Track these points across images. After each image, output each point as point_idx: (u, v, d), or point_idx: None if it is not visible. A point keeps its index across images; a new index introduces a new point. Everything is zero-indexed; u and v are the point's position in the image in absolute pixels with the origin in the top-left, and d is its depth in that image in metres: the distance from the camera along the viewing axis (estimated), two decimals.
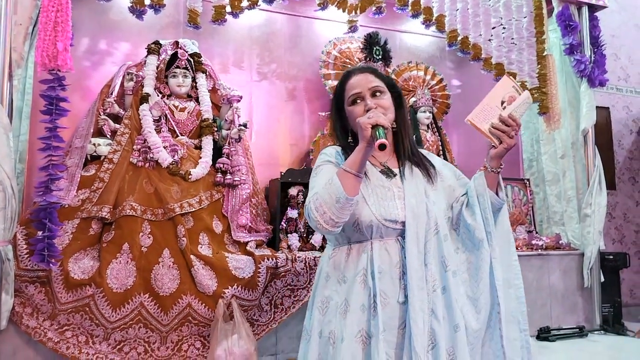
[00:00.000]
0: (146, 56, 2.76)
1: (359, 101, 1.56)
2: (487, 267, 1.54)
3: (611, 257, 3.46)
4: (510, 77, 1.58)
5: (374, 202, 1.50)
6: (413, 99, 3.42)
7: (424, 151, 1.70)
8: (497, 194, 1.58)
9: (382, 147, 1.34)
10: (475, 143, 3.87)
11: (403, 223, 1.49)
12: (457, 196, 1.62)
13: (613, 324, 3.28)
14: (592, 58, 3.48)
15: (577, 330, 3.14)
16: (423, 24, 3.06)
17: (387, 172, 1.57)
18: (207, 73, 2.89)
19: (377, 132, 1.38)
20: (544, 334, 3.02)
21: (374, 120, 1.39)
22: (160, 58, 2.76)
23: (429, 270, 1.47)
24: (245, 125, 2.75)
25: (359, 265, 1.50)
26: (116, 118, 2.66)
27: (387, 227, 1.49)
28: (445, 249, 1.51)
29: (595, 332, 3.26)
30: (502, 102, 1.53)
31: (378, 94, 1.56)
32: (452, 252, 1.55)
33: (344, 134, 1.63)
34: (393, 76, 3.45)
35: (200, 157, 2.67)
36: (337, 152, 1.62)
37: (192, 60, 2.80)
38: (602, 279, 3.37)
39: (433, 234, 1.51)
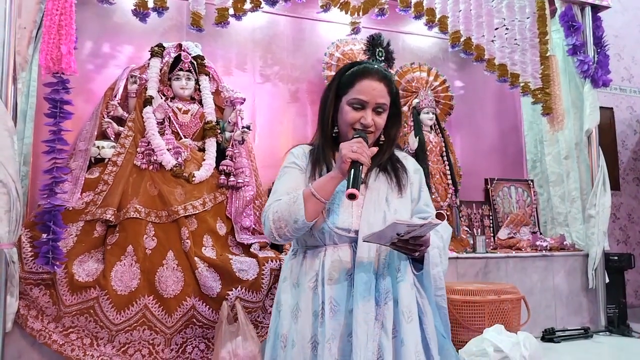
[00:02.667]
0: (149, 59, 2.76)
1: (359, 107, 1.49)
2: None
3: (616, 257, 3.44)
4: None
5: (328, 209, 1.47)
6: (416, 100, 3.42)
7: (401, 154, 1.64)
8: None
9: (351, 196, 1.29)
10: (479, 144, 3.87)
11: (357, 232, 1.45)
12: (418, 209, 1.57)
13: (618, 325, 3.26)
14: (596, 58, 3.47)
15: (582, 331, 3.13)
16: (426, 25, 3.06)
17: None
18: (210, 75, 2.90)
19: (353, 173, 1.32)
20: (548, 335, 3.01)
21: (355, 157, 1.34)
22: (164, 61, 2.77)
23: (382, 281, 1.43)
24: (248, 128, 2.75)
25: (311, 270, 1.48)
26: (120, 121, 2.66)
27: (340, 235, 1.46)
28: (399, 260, 1.46)
29: (601, 333, 3.24)
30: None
31: (380, 111, 1.50)
32: (408, 263, 1.49)
33: (332, 122, 1.56)
34: (396, 77, 3.45)
35: (204, 160, 2.67)
36: (304, 153, 1.58)
37: (195, 62, 2.80)
38: (607, 280, 3.35)
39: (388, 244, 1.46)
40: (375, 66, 1.56)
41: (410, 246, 1.36)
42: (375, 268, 1.43)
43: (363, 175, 1.51)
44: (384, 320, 1.40)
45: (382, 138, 1.57)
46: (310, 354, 1.41)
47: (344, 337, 1.40)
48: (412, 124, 3.36)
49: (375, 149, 1.47)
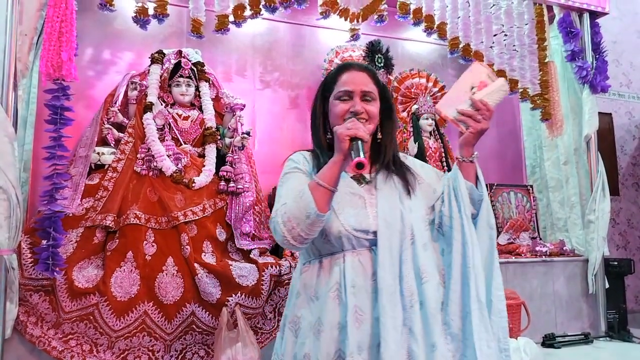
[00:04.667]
0: (150, 65, 2.77)
1: (346, 99, 1.46)
2: (459, 257, 1.40)
3: (616, 263, 3.44)
4: (484, 64, 1.49)
5: (342, 212, 1.39)
6: (415, 106, 3.43)
7: (401, 154, 1.60)
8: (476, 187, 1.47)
9: (359, 166, 1.24)
10: (478, 150, 3.87)
11: (375, 233, 1.38)
12: (439, 195, 1.51)
13: (618, 331, 3.26)
14: (594, 64, 3.49)
15: (583, 336, 3.12)
16: (425, 31, 3.07)
17: (359, 179, 1.47)
18: (210, 82, 2.91)
19: (355, 148, 1.28)
20: (549, 341, 3.01)
21: (352, 133, 1.29)
22: (164, 67, 2.78)
23: (406, 283, 1.35)
24: (248, 134, 2.76)
25: (331, 279, 1.38)
26: (120, 127, 2.67)
27: (359, 238, 1.39)
28: (421, 260, 1.38)
29: (601, 339, 3.24)
30: (472, 88, 1.45)
31: (369, 99, 1.46)
32: (432, 263, 1.41)
33: (324, 128, 1.53)
34: (395, 84, 3.46)
35: (204, 165, 2.68)
36: (305, 158, 1.53)
37: (195, 69, 2.81)
38: (607, 285, 3.35)
39: (409, 244, 1.39)
40: (356, 61, 1.56)
41: (469, 117, 1.38)
42: (398, 271, 1.35)
43: (368, 176, 1.49)
44: (412, 325, 1.32)
45: (380, 136, 1.53)
46: None
47: (372, 348, 1.31)
48: (411, 129, 3.37)
49: (371, 127, 1.44)
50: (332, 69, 3.19)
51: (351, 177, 1.47)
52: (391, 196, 1.43)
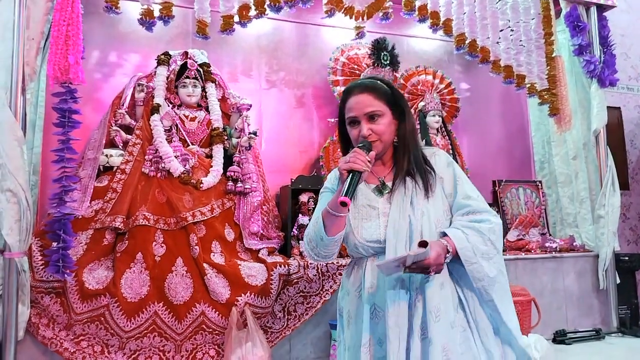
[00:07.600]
0: (156, 67, 2.79)
1: (355, 125, 1.56)
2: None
3: (626, 258, 3.41)
4: None
5: (357, 224, 1.54)
6: (422, 103, 3.42)
7: (429, 150, 1.64)
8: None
9: (342, 204, 1.37)
10: (486, 146, 3.86)
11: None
12: (450, 204, 1.56)
13: (630, 326, 3.24)
14: (602, 58, 3.46)
15: (594, 332, 3.11)
16: (430, 28, 3.06)
17: (380, 189, 1.56)
18: (217, 82, 2.91)
19: (348, 182, 1.39)
20: (560, 337, 2.99)
21: (348, 166, 1.41)
22: (170, 69, 2.79)
23: (413, 283, 1.47)
24: (255, 133, 2.76)
25: (356, 280, 1.57)
26: (128, 129, 2.68)
27: (374, 247, 1.52)
28: None
29: (613, 335, 3.22)
30: None
31: (375, 117, 1.53)
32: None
33: (347, 147, 1.63)
34: (401, 81, 3.45)
35: (211, 166, 2.69)
36: (336, 177, 1.60)
37: (201, 70, 2.82)
38: (618, 281, 3.33)
39: None
40: (360, 80, 1.63)
41: (418, 270, 1.39)
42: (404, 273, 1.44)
43: (390, 184, 1.56)
44: (413, 321, 1.44)
45: (396, 141, 1.60)
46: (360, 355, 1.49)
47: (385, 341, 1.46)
48: (418, 126, 3.36)
49: (373, 154, 1.49)
50: (337, 67, 3.24)
51: (373, 189, 1.57)
52: (403, 203, 1.51)
